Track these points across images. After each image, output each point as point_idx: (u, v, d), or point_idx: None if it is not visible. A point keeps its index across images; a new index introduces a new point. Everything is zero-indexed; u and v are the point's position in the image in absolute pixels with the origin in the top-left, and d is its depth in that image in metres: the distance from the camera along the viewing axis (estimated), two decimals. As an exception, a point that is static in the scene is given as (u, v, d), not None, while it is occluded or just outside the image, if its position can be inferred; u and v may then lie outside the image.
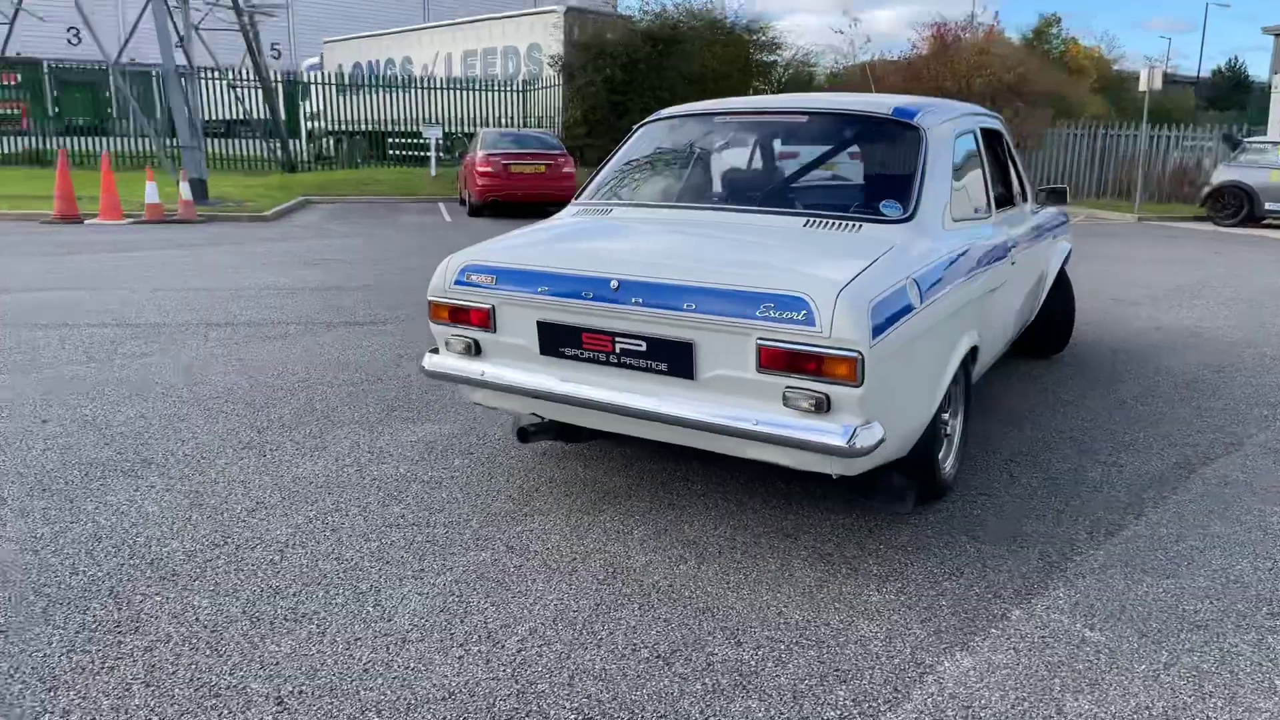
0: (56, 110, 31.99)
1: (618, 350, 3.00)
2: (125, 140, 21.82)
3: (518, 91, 22.55)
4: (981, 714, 2.23)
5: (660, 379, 2.96)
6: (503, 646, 2.48)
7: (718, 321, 2.78)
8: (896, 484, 3.20)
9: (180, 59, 14.74)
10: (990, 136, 4.65)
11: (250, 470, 3.71)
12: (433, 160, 20.82)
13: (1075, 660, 2.46)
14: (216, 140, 22.07)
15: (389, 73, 27.01)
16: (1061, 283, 5.64)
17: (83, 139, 22.44)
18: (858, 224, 3.23)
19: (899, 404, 2.87)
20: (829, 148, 3.66)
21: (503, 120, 22.64)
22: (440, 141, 20.92)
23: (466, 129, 22.59)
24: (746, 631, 2.58)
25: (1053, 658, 2.47)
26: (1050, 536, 3.22)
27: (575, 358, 3.10)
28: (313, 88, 25.84)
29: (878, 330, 2.65)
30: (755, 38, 23.37)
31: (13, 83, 29.75)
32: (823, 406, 2.71)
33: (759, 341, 2.74)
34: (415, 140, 22.91)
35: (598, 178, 4.02)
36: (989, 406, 4.75)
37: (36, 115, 31.14)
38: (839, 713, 2.23)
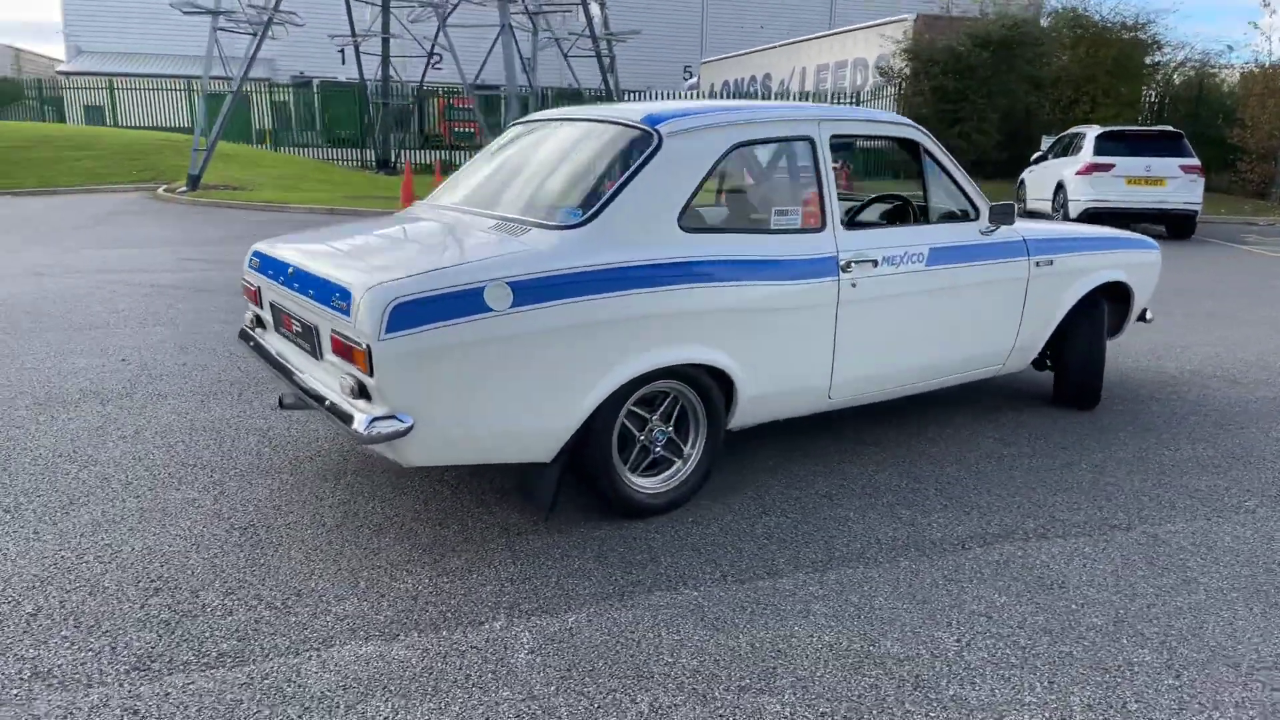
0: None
1: (295, 330, 3.40)
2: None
3: (849, 104, 22.27)
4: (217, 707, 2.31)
5: (310, 359, 3.31)
6: (8, 597, 2.90)
7: (319, 308, 3.07)
8: (531, 486, 3.21)
9: (523, 80, 16.93)
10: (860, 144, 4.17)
11: (149, 413, 4.51)
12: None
13: (385, 678, 2.42)
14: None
15: (750, 90, 28.11)
16: (1089, 321, 4.72)
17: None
18: (527, 228, 3.26)
19: (462, 403, 2.91)
20: (581, 153, 3.63)
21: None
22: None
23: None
24: (203, 615, 2.71)
25: (373, 672, 2.45)
26: (677, 573, 3.00)
27: (285, 336, 3.54)
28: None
29: (395, 327, 2.77)
30: (1132, 35, 20.56)
31: (469, 105, 35.93)
32: (357, 393, 2.89)
33: (330, 329, 2.99)
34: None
35: (450, 176, 4.36)
36: (884, 444, 4.24)
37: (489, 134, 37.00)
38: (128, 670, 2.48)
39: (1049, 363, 5.01)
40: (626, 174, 3.32)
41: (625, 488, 3.33)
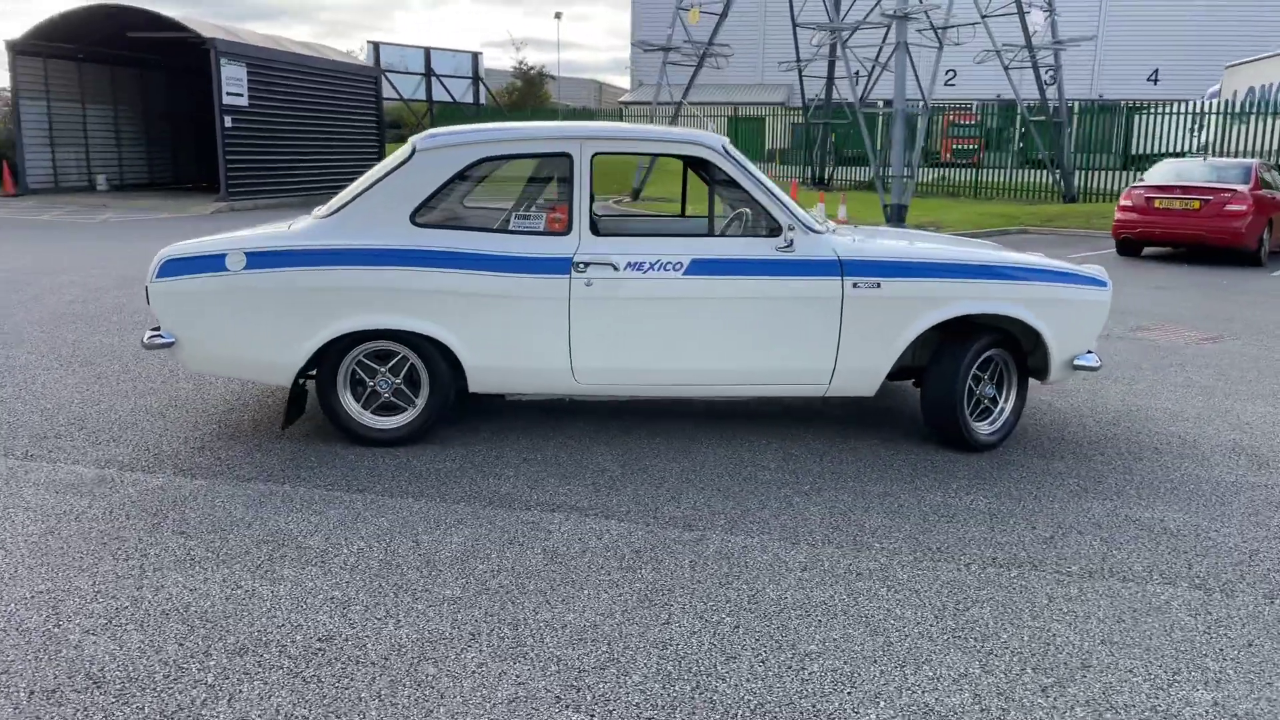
0: (1020, 145, 36.27)
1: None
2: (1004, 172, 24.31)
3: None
4: None
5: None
6: None
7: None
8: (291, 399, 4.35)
9: (913, 94, 16.93)
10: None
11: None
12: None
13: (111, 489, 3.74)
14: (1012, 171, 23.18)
15: (1276, 96, 23.55)
16: (947, 355, 4.31)
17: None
18: (308, 219, 4.38)
19: (207, 331, 4.16)
20: (388, 163, 4.50)
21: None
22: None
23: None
24: (77, 436, 4.45)
25: (107, 489, 3.79)
26: (331, 479, 3.90)
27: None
28: (1208, 116, 24.10)
29: (162, 275, 4.15)
30: None
31: (971, 121, 34.75)
32: (155, 323, 4.33)
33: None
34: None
35: None
36: (711, 444, 4.49)
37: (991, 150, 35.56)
38: None
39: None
40: (376, 179, 4.28)
41: (345, 417, 4.29)
